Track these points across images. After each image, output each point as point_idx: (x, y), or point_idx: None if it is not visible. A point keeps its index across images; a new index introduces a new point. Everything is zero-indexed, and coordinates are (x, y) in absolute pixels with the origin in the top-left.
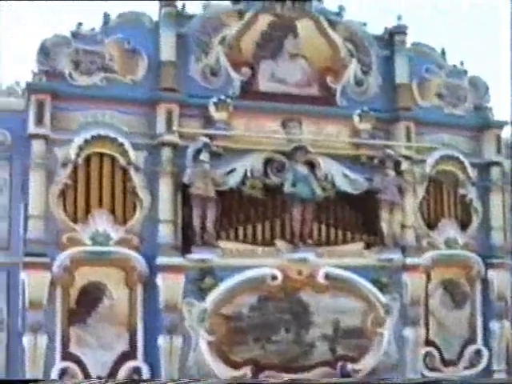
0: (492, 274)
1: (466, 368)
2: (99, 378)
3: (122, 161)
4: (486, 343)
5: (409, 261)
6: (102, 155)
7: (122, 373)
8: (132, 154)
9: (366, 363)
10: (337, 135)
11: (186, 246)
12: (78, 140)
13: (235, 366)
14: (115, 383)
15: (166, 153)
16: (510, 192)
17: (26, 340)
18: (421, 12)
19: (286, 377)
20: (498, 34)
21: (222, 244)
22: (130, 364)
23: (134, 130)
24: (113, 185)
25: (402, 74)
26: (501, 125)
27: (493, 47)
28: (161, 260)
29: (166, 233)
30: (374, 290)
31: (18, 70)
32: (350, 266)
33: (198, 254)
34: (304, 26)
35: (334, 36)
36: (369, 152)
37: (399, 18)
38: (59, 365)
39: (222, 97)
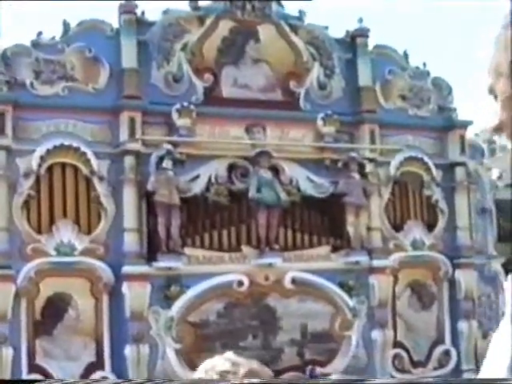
0: (459, 274)
1: (435, 369)
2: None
3: (84, 170)
4: (455, 343)
5: (375, 263)
6: (64, 165)
7: None
8: (95, 163)
9: (335, 367)
10: (301, 139)
11: (151, 254)
12: (40, 150)
13: None
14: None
15: (130, 161)
16: (474, 192)
17: None
18: (382, 15)
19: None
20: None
21: (188, 251)
22: (98, 374)
23: (96, 139)
24: (76, 194)
25: (365, 77)
26: (465, 125)
27: (455, 48)
28: (126, 269)
29: (131, 241)
30: (342, 293)
31: None
32: (317, 269)
33: (163, 262)
34: (265, 30)
35: (295, 40)
36: (333, 155)
37: (360, 20)
38: (26, 378)
39: (185, 103)
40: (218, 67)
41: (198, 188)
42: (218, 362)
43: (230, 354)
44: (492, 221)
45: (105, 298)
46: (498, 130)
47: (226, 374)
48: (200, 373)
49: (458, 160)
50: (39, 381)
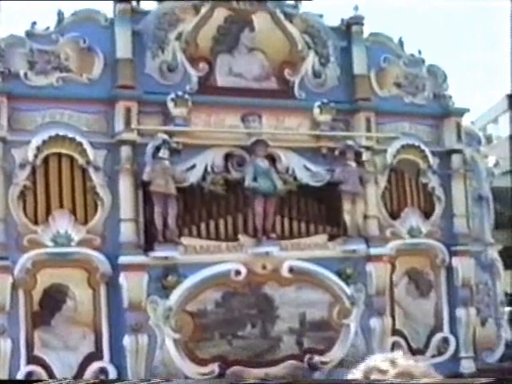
0: (456, 261)
1: (433, 356)
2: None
3: (80, 160)
4: (453, 331)
5: (373, 251)
6: (60, 155)
7: (88, 374)
8: (91, 153)
9: (334, 355)
10: (297, 128)
11: (148, 244)
12: (36, 141)
13: (202, 363)
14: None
15: (125, 151)
16: (471, 179)
17: None
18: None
19: (254, 371)
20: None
21: (185, 241)
22: (96, 365)
23: (92, 129)
24: (72, 185)
25: (360, 65)
26: (461, 112)
27: (451, 35)
28: (123, 259)
29: (127, 231)
30: (339, 281)
31: None
32: (314, 258)
33: (160, 252)
34: (260, 19)
35: (290, 29)
36: (329, 144)
37: (356, 8)
38: (24, 369)
39: (180, 93)
40: (213, 56)
41: (194, 177)
42: (379, 362)
43: (390, 354)
44: (489, 208)
45: (102, 289)
46: None
47: (384, 373)
48: (359, 373)
49: (455, 147)
50: (39, 381)
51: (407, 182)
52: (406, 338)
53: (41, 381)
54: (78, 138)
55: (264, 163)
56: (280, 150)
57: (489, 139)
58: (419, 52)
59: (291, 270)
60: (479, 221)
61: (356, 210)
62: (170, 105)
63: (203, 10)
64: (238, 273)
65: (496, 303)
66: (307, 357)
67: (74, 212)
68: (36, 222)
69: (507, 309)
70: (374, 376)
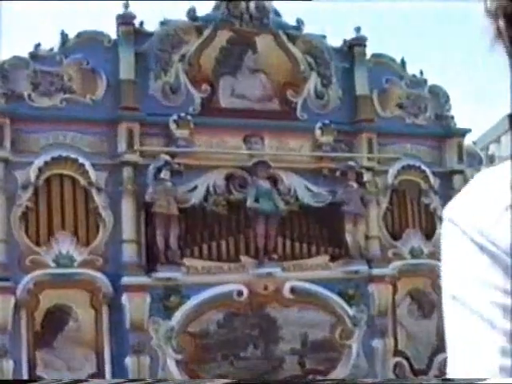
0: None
1: (436, 377)
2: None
3: (83, 181)
4: None
5: (375, 272)
6: (62, 177)
7: None
8: (93, 174)
9: (336, 376)
10: (299, 149)
11: (150, 265)
12: (39, 162)
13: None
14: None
15: (128, 172)
16: None
17: None
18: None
19: None
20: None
21: (187, 262)
22: None
23: (95, 151)
24: (75, 206)
25: (362, 86)
26: (463, 133)
27: (452, 55)
28: (125, 280)
29: (129, 252)
30: (341, 302)
31: None
32: (316, 279)
33: (162, 273)
34: (263, 40)
35: (293, 50)
36: (331, 165)
37: (358, 29)
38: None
39: (182, 114)
40: (216, 78)
41: (196, 198)
42: None
43: None
44: None
45: (104, 310)
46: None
47: None
48: None
49: (456, 168)
50: (39, 381)
51: (409, 203)
52: (408, 359)
53: (41, 381)
54: (81, 160)
55: (266, 184)
56: (282, 171)
57: (491, 159)
58: (421, 72)
59: (293, 290)
60: None
61: (358, 230)
62: (173, 126)
63: (206, 32)
64: (240, 293)
65: None
66: (309, 378)
67: (76, 233)
68: (38, 243)
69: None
70: None
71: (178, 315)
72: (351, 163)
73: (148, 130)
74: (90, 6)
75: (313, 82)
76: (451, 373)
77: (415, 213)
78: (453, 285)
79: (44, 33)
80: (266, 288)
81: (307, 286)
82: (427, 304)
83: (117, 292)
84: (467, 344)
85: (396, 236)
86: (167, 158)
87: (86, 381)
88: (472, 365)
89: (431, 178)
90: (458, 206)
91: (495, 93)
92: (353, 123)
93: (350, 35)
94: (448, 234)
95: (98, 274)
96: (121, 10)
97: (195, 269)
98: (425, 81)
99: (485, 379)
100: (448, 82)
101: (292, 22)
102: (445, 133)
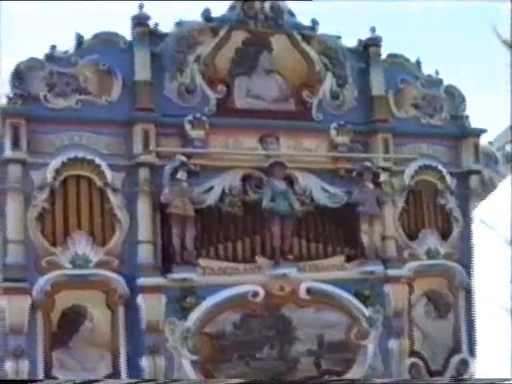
0: (474, 282)
1: (452, 377)
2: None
3: (99, 182)
4: (472, 352)
5: (390, 272)
6: (78, 177)
7: None
8: (109, 175)
9: (352, 377)
10: (315, 149)
11: (166, 266)
12: (55, 163)
13: None
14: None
15: (144, 173)
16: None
17: (8, 366)
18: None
19: None
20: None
21: (203, 262)
22: None
23: (111, 151)
24: (91, 207)
25: (377, 86)
26: (479, 133)
27: (469, 55)
28: (141, 281)
29: (145, 253)
30: (357, 302)
31: None
32: (332, 279)
33: (178, 274)
34: (278, 41)
35: (308, 50)
36: (347, 165)
37: (373, 29)
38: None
39: (198, 115)
40: (231, 78)
41: (212, 199)
42: None
43: None
44: None
45: (120, 310)
46: None
47: None
48: None
49: (473, 168)
50: (39, 381)
51: (425, 203)
52: (424, 360)
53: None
54: (97, 160)
55: (281, 185)
56: (298, 172)
57: (507, 159)
58: (437, 72)
59: (309, 291)
60: None
61: (373, 231)
62: (188, 127)
63: (221, 33)
64: (255, 294)
65: None
66: (325, 378)
67: (92, 234)
68: (54, 244)
69: None
70: None
71: (193, 316)
72: (367, 164)
73: (163, 130)
74: (105, 8)
75: (328, 82)
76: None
77: (431, 213)
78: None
79: (59, 34)
80: (281, 289)
81: (323, 286)
82: (443, 305)
83: (133, 293)
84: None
85: (412, 236)
86: (183, 158)
87: (96, 381)
88: None
89: (448, 179)
90: (491, 208)
91: None
92: (368, 123)
93: (365, 35)
94: (481, 235)
95: (114, 275)
96: (136, 11)
97: (211, 269)
98: (440, 81)
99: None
100: (463, 82)
101: (306, 23)
102: (460, 133)
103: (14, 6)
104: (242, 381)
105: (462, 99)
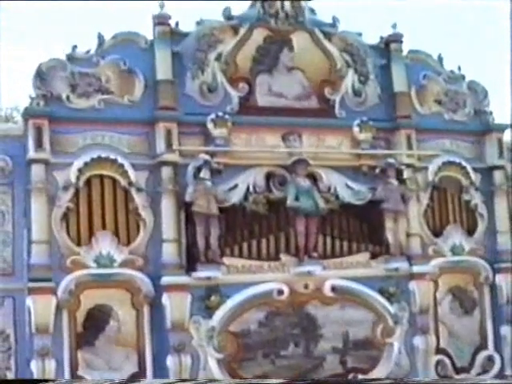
0: (500, 278)
1: (478, 374)
2: None
3: (122, 182)
4: (498, 348)
5: (415, 269)
6: (102, 177)
7: None
8: (133, 174)
9: (377, 374)
10: (338, 147)
11: (190, 265)
12: (78, 163)
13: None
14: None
15: (167, 172)
16: None
17: (34, 365)
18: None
19: None
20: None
21: (227, 261)
22: None
23: (133, 151)
24: (115, 206)
25: (399, 83)
26: (502, 128)
27: (490, 50)
28: (166, 280)
29: (170, 252)
30: (382, 300)
31: (17, 95)
32: (357, 277)
33: (203, 272)
34: (299, 38)
35: (329, 47)
36: (370, 162)
37: (394, 26)
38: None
39: (220, 113)
40: (253, 76)
41: (236, 197)
42: None
43: None
44: None
45: (145, 309)
46: None
47: None
48: None
49: (496, 163)
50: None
51: (449, 200)
52: (450, 357)
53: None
54: (120, 160)
55: (305, 182)
56: (321, 169)
57: None
58: (459, 68)
59: (334, 289)
60: None
61: (398, 228)
62: (210, 125)
63: (242, 31)
64: (280, 292)
65: None
66: (351, 376)
67: (116, 233)
68: (79, 244)
69: None
70: None
71: (218, 314)
72: (390, 160)
73: (186, 129)
74: (126, 7)
75: (350, 79)
76: None
77: (456, 209)
78: None
79: (81, 35)
80: (306, 286)
81: (348, 284)
82: (469, 301)
83: (157, 292)
84: None
85: (437, 233)
86: (207, 157)
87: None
88: None
89: (472, 174)
90: None
91: None
92: (391, 120)
93: (387, 32)
94: None
95: (139, 274)
96: (156, 11)
97: (235, 268)
98: (463, 76)
99: None
100: (486, 77)
101: (327, 20)
102: (484, 128)
103: (33, 6)
104: (280, 381)
105: (485, 94)
